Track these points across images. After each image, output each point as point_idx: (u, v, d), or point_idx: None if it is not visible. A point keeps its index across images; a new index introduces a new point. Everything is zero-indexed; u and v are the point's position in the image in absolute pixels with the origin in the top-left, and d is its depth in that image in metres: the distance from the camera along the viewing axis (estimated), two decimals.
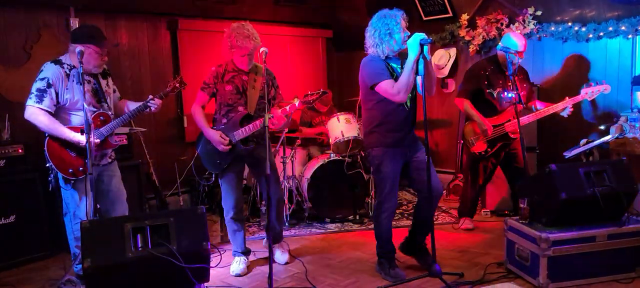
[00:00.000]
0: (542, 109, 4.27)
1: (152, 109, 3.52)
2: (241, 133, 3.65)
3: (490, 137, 4.28)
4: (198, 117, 3.73)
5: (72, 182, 3.39)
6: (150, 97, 3.53)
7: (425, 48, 3.19)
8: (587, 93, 4.17)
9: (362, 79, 3.45)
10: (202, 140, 3.81)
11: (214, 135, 3.66)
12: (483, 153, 4.32)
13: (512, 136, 4.25)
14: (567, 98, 4.17)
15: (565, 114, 4.22)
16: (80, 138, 3.28)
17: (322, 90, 3.55)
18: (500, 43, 4.29)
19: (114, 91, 3.70)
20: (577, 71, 5.11)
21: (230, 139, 3.66)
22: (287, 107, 3.57)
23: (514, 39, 4.18)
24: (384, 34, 3.34)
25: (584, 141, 4.54)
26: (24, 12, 4.53)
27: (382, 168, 3.49)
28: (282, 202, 3.96)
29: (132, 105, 3.63)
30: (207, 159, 3.82)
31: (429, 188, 3.32)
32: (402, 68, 3.36)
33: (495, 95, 4.29)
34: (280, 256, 3.96)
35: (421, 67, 3.27)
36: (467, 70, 4.49)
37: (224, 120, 3.73)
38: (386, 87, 3.31)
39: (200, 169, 5.61)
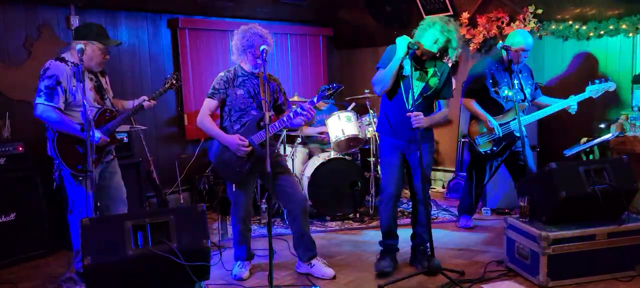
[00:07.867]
0: (547, 108, 4.25)
1: (145, 107, 3.64)
2: (260, 136, 3.46)
3: (496, 136, 4.25)
4: (209, 125, 3.51)
5: (80, 179, 3.40)
6: (144, 98, 3.63)
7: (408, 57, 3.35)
8: (592, 91, 4.16)
9: None
10: (217, 149, 3.55)
11: (233, 139, 3.45)
12: (489, 152, 4.30)
13: (517, 135, 4.24)
14: (571, 96, 4.17)
15: (572, 111, 4.21)
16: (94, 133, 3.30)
17: (336, 85, 3.42)
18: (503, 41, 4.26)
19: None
20: (578, 69, 5.11)
21: (249, 142, 3.47)
22: (307, 104, 3.46)
23: (518, 36, 4.14)
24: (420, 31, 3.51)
25: (584, 139, 4.54)
26: (24, 10, 4.53)
27: (381, 155, 3.69)
28: (307, 211, 3.69)
29: (127, 104, 3.71)
30: (225, 169, 3.57)
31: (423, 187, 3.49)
32: (410, 67, 3.37)
33: (500, 94, 4.26)
34: (324, 269, 3.66)
35: (407, 67, 3.40)
36: (470, 68, 4.45)
37: (237, 126, 3.53)
38: (375, 75, 3.56)
39: (199, 168, 5.67)
